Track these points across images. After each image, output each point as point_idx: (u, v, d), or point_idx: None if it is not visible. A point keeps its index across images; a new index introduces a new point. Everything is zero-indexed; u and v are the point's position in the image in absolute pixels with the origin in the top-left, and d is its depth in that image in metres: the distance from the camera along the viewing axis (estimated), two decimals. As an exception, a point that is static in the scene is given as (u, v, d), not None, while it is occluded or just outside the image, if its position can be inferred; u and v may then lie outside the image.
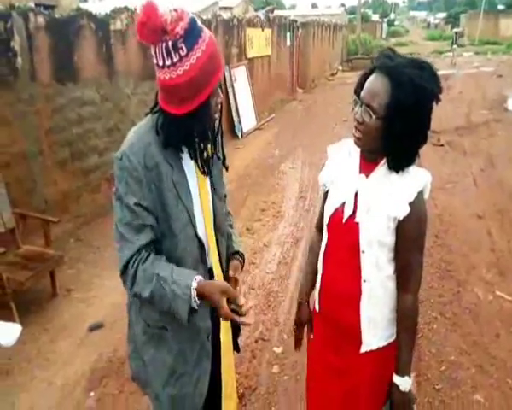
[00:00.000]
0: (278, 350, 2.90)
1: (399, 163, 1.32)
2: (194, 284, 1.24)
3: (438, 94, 1.26)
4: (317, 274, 1.59)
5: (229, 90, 8.34)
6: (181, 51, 1.16)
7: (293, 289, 3.59)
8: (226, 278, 1.47)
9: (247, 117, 8.91)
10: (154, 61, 1.22)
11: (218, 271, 1.44)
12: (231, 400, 1.58)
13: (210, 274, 1.43)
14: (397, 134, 1.26)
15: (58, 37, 4.30)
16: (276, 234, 4.60)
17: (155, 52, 1.20)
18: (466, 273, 3.76)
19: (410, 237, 1.35)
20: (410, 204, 1.30)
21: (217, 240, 1.45)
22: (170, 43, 1.16)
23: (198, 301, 1.24)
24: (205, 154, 1.37)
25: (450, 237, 4.39)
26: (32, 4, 4.38)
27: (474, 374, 2.67)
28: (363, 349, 1.45)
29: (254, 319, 3.20)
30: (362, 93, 1.31)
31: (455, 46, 20.40)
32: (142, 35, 1.18)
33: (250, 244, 4.37)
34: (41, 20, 4.10)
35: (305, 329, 1.71)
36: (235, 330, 1.60)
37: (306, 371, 1.71)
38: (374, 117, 1.26)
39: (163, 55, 1.18)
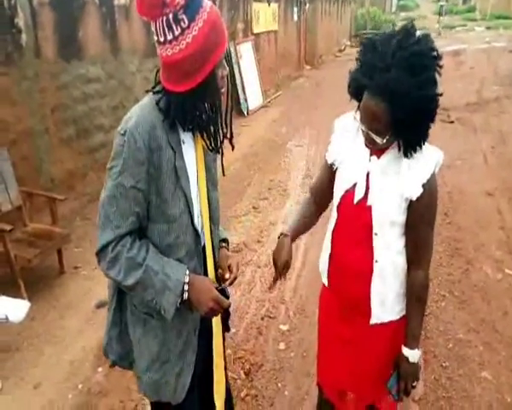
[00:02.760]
0: (284, 328, 2.90)
1: (411, 151, 1.29)
2: (186, 279, 1.25)
3: (436, 81, 1.21)
4: (306, 223, 1.62)
5: (235, 66, 8.21)
6: (182, 23, 1.12)
7: (300, 268, 3.58)
8: (216, 267, 1.45)
9: (253, 94, 8.79)
10: (155, 37, 1.17)
11: (211, 260, 1.40)
12: (221, 383, 1.51)
13: (204, 264, 1.40)
14: (408, 136, 1.25)
15: (62, 13, 4.22)
16: (283, 212, 4.57)
17: (156, 28, 1.16)
18: (475, 251, 3.73)
19: (422, 215, 1.34)
20: (423, 185, 1.29)
21: (210, 229, 1.40)
22: (170, 15, 1.12)
23: (186, 297, 1.25)
24: (213, 131, 1.32)
25: (460, 215, 4.34)
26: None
27: (481, 352, 2.67)
28: (373, 321, 1.46)
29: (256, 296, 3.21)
30: (362, 115, 1.26)
31: (441, 17, 22.48)
32: (141, 10, 1.14)
33: (256, 223, 4.35)
34: (45, -5, 4.02)
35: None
36: (225, 313, 1.53)
37: (318, 343, 1.71)
38: (384, 140, 1.25)
39: (164, 30, 1.14)
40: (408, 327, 1.43)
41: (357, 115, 1.30)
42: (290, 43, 11.82)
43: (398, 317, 1.47)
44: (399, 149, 1.31)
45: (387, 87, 1.15)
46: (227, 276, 1.40)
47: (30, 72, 3.93)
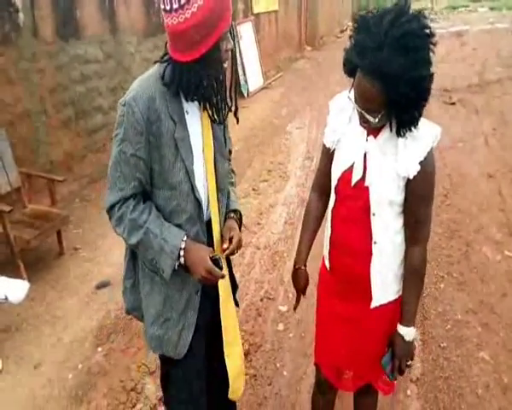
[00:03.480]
0: (283, 309, 2.92)
1: (404, 130, 1.27)
2: (182, 245, 1.32)
3: (430, 61, 1.18)
4: (313, 239, 1.61)
5: (235, 47, 8.08)
6: None
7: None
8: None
9: (253, 76, 8.67)
10: (162, 6, 1.19)
11: (216, 228, 1.46)
12: (234, 345, 1.59)
13: (208, 231, 1.44)
14: (402, 116, 1.23)
15: (59, -9, 4.15)
16: (283, 195, 4.56)
17: None
18: (475, 233, 3.73)
19: (420, 193, 1.33)
20: (421, 162, 1.28)
21: (217, 198, 1.44)
22: None
23: (183, 262, 1.33)
24: (216, 102, 1.34)
25: (460, 197, 4.33)
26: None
27: (479, 333, 2.68)
28: (374, 305, 1.46)
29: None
30: (355, 95, 1.25)
31: None
32: None
33: (256, 205, 4.34)
34: (42, -27, 3.94)
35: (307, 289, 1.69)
36: (233, 286, 1.61)
37: (316, 323, 1.72)
38: (376, 119, 1.23)
39: None
40: (404, 305, 1.43)
41: (351, 94, 1.28)
42: (291, 24, 11.64)
43: (396, 296, 1.47)
44: (391, 130, 1.29)
45: (379, 67, 1.13)
46: (224, 246, 1.43)
47: (27, 52, 3.88)
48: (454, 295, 3.01)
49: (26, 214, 3.38)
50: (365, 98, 1.21)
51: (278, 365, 2.49)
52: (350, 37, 1.24)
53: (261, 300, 3.01)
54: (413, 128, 1.26)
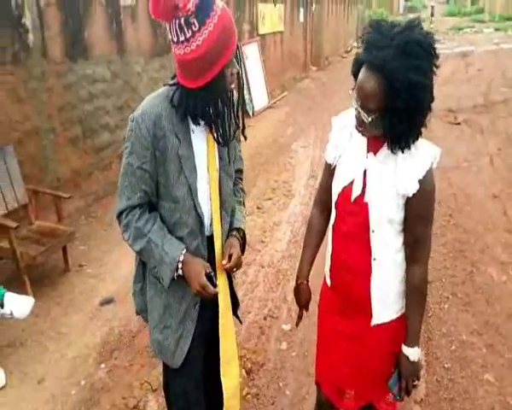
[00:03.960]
0: (286, 327, 2.91)
1: (403, 146, 1.29)
2: (181, 258, 1.37)
3: (431, 76, 1.21)
4: (315, 254, 1.63)
5: (241, 67, 8.22)
6: (193, 27, 1.20)
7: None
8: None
9: (258, 95, 8.78)
10: (169, 36, 1.26)
11: (218, 245, 1.50)
12: (231, 365, 1.61)
13: (209, 245, 1.48)
14: (396, 126, 1.24)
15: (68, 13, 4.26)
16: (287, 213, 4.58)
17: (170, 29, 1.24)
18: (480, 253, 3.71)
19: (419, 212, 1.34)
20: (420, 181, 1.29)
21: (220, 216, 1.49)
22: (182, 19, 1.20)
23: (181, 273, 1.38)
24: (222, 125, 1.39)
25: (465, 217, 4.32)
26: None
27: (484, 354, 2.65)
28: (374, 322, 1.46)
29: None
30: (356, 91, 1.28)
31: (432, 18, 23.91)
32: (156, 13, 1.22)
33: (260, 223, 4.36)
34: (51, -5, 4.05)
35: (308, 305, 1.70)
36: (234, 302, 1.64)
37: (317, 340, 1.71)
38: (370, 118, 1.25)
39: (176, 32, 1.22)
40: (407, 325, 1.43)
41: (354, 94, 1.31)
42: (296, 45, 11.82)
43: (398, 315, 1.47)
44: (392, 151, 1.30)
45: (382, 63, 1.18)
46: (223, 262, 1.47)
47: (37, 71, 3.97)
48: (459, 316, 2.98)
49: (33, 231, 3.42)
50: (364, 93, 1.24)
51: (281, 384, 2.47)
52: (360, 37, 1.29)
53: (264, 318, 3.00)
54: (408, 145, 1.27)
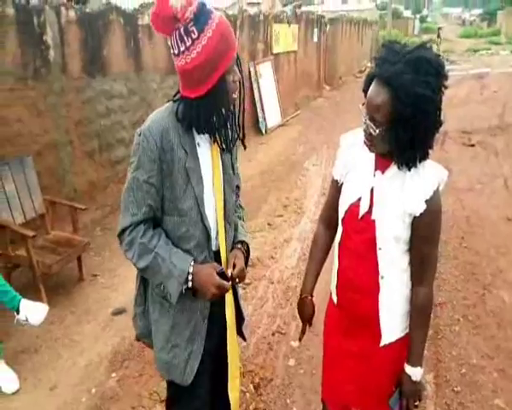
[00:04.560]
0: (295, 344, 2.90)
1: (410, 163, 1.32)
2: (190, 269, 1.38)
3: (442, 81, 1.24)
4: (320, 269, 1.64)
5: (254, 85, 8.35)
6: (192, 34, 1.24)
7: (313, 285, 3.58)
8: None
9: (271, 113, 8.90)
10: (171, 51, 1.30)
11: (224, 256, 1.52)
12: (235, 378, 1.63)
13: (216, 259, 1.49)
14: (403, 140, 1.27)
15: (88, 31, 4.43)
16: (297, 230, 4.60)
17: (171, 42, 1.29)
18: (492, 277, 3.67)
19: (425, 233, 1.35)
20: (426, 201, 1.31)
21: (225, 228, 1.50)
22: (182, 29, 1.25)
23: (190, 286, 1.38)
24: (225, 132, 1.43)
25: (477, 240, 4.29)
26: (64, -1, 4.51)
27: (495, 378, 2.62)
28: (383, 343, 1.47)
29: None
30: (366, 103, 1.32)
31: (439, 39, 23.14)
32: (157, 26, 1.27)
33: (271, 239, 4.39)
34: (72, 14, 4.23)
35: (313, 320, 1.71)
36: (238, 318, 1.64)
37: (322, 358, 1.72)
38: (378, 130, 1.28)
39: (177, 42, 1.27)
40: (411, 345, 1.43)
41: (363, 108, 1.34)
42: (310, 64, 11.96)
43: (404, 334, 1.48)
44: (398, 167, 1.33)
45: (391, 77, 1.22)
46: (228, 271, 1.47)
47: (56, 86, 4.11)
48: (469, 339, 2.95)
49: (49, 240, 3.50)
50: (373, 105, 1.27)
51: (288, 401, 2.47)
52: (373, 57, 1.34)
53: (273, 334, 3.01)
54: (414, 162, 1.30)
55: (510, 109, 9.65)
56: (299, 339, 1.72)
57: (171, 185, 1.37)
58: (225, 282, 1.40)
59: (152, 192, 1.36)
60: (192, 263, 1.39)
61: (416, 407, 1.47)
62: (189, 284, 1.38)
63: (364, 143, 1.36)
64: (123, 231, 1.40)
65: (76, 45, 4.31)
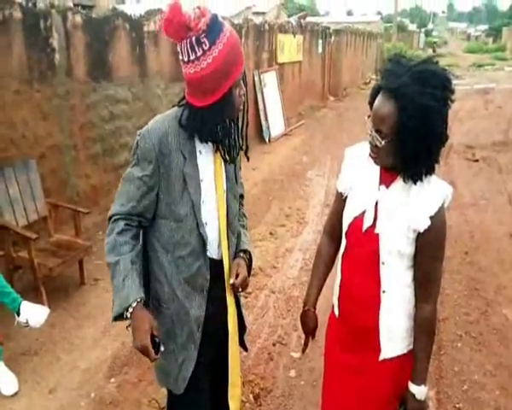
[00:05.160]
0: (296, 355, 2.88)
1: (417, 176, 1.31)
2: (134, 304, 1.33)
3: (448, 95, 1.24)
4: (324, 282, 1.63)
5: (259, 94, 8.38)
6: (204, 46, 1.25)
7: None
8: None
9: (275, 122, 8.92)
10: (180, 57, 1.30)
11: (227, 265, 1.51)
12: (236, 387, 1.61)
13: (212, 266, 1.47)
14: (408, 153, 1.26)
15: (94, 36, 4.45)
16: (300, 240, 4.59)
17: (181, 48, 1.29)
18: (495, 293, 3.64)
19: (430, 249, 1.34)
20: (431, 218, 1.30)
21: (227, 237, 1.50)
22: (193, 38, 1.25)
23: (129, 317, 1.34)
24: (228, 143, 1.43)
25: (481, 255, 4.26)
26: (70, 4, 4.54)
27: (497, 396, 2.59)
28: (382, 357, 1.45)
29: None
30: (371, 115, 1.32)
31: (434, 54, 25.04)
32: (168, 32, 1.27)
33: (273, 249, 4.37)
34: (78, 19, 4.25)
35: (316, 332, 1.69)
36: (241, 327, 1.63)
37: (323, 372, 1.70)
38: (383, 142, 1.28)
39: (188, 51, 1.27)
40: (415, 363, 1.41)
41: (369, 121, 1.34)
42: (314, 74, 12.02)
43: (405, 351, 1.45)
44: (404, 181, 1.33)
45: (397, 88, 1.23)
46: (231, 281, 1.47)
47: (61, 90, 4.12)
48: (472, 356, 2.93)
49: (51, 243, 3.50)
50: (379, 117, 1.27)
51: (288, 413, 2.45)
52: (379, 70, 1.36)
53: (274, 344, 2.99)
54: (419, 175, 1.30)
55: (515, 125, 9.68)
56: (302, 351, 1.71)
57: (168, 189, 1.38)
58: (153, 352, 1.32)
59: (144, 190, 1.38)
60: (138, 300, 1.34)
61: None
62: (128, 314, 1.34)
63: (370, 155, 1.36)
64: (109, 218, 1.43)
65: (81, 50, 4.33)
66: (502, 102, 12.53)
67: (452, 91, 1.25)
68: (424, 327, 1.40)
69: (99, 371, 2.73)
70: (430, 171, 1.32)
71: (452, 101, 1.26)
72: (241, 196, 1.68)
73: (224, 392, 1.58)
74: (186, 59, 1.28)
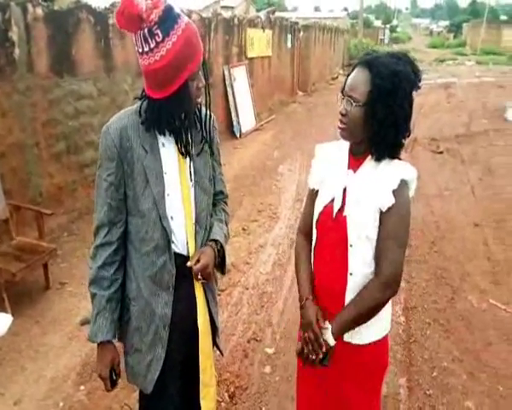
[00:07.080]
0: (270, 351, 2.88)
1: (383, 152, 1.35)
2: (100, 340, 1.42)
3: (415, 80, 1.33)
4: (311, 274, 1.57)
5: (229, 89, 8.33)
6: (157, 37, 1.23)
7: (287, 291, 3.57)
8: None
9: (246, 117, 8.89)
10: (135, 48, 1.29)
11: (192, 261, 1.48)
12: (209, 386, 1.59)
13: (179, 263, 1.45)
14: (378, 120, 1.30)
15: (56, 29, 4.28)
16: (272, 235, 4.59)
17: (136, 40, 1.27)
18: (461, 281, 3.76)
19: (389, 227, 1.33)
20: (394, 193, 1.31)
21: (195, 231, 1.47)
22: (146, 30, 1.23)
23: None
24: (185, 136, 1.41)
25: (446, 245, 4.39)
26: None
27: (465, 381, 2.67)
28: (346, 339, 1.43)
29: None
30: (345, 87, 1.37)
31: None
32: (120, 23, 1.25)
33: (245, 244, 4.35)
34: (39, 11, 4.08)
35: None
36: (213, 328, 1.60)
37: (297, 366, 1.69)
38: (355, 105, 1.32)
39: (142, 42, 1.26)
40: (339, 314, 1.38)
41: (340, 98, 1.39)
42: (283, 70, 12.05)
43: (373, 339, 1.44)
44: (372, 156, 1.37)
45: (371, 60, 1.33)
46: (188, 264, 1.44)
47: (22, 85, 3.95)
48: (440, 342, 3.01)
49: (13, 246, 3.35)
50: (351, 85, 1.34)
51: (264, 408, 2.44)
52: (349, 63, 1.46)
53: (248, 341, 2.97)
54: (385, 149, 1.34)
55: (476, 118, 10.02)
56: (304, 363, 1.47)
57: (132, 185, 1.37)
58: (109, 383, 1.47)
59: (111, 190, 1.37)
60: (105, 339, 1.42)
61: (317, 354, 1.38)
62: (94, 341, 1.43)
63: (338, 127, 1.39)
64: (94, 232, 1.43)
65: (43, 43, 4.16)
66: (463, 96, 12.96)
67: (420, 79, 1.34)
68: (363, 297, 1.35)
69: (67, 378, 2.63)
70: (395, 153, 1.36)
71: (419, 87, 1.33)
72: (222, 193, 1.66)
73: (197, 392, 1.56)
74: (140, 50, 1.27)
